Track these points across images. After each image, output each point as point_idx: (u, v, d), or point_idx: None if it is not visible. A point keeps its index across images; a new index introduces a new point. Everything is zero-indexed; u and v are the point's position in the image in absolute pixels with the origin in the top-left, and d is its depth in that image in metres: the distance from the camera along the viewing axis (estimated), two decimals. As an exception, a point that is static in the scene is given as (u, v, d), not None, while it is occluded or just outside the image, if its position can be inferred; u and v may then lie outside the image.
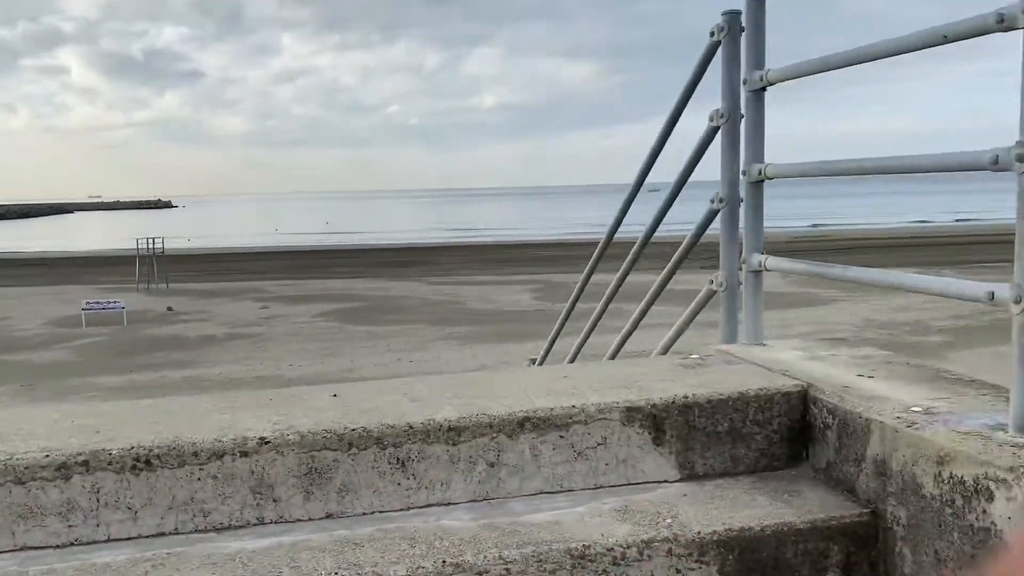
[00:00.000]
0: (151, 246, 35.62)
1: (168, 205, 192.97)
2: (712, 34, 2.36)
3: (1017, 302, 1.50)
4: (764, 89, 2.25)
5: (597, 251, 3.79)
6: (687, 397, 1.74)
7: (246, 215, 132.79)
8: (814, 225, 67.61)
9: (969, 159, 1.60)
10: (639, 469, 1.72)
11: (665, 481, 1.73)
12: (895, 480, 1.57)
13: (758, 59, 2.24)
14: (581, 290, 4.01)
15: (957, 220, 68.59)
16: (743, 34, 2.27)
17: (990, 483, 1.38)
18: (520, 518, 1.56)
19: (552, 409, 1.69)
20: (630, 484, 1.70)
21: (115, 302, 25.33)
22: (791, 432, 1.82)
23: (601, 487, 1.69)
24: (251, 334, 22.13)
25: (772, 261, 2.44)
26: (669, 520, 1.52)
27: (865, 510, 1.62)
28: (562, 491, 1.68)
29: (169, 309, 28.08)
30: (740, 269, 2.58)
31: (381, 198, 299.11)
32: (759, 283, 2.53)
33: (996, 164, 1.52)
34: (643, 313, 3.37)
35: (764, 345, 2.52)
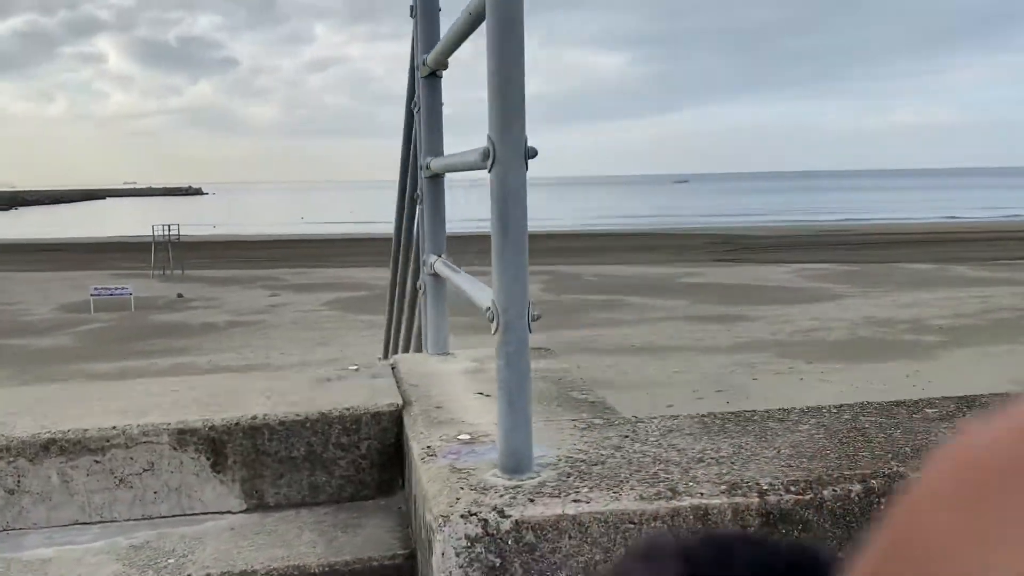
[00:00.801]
0: (167, 233, 35.96)
1: (199, 192, 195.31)
2: (411, 12, 2.14)
3: (492, 320, 1.29)
4: (435, 75, 2.05)
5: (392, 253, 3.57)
6: (255, 418, 1.56)
7: (274, 203, 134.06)
8: (845, 219, 66.56)
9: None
10: (196, 499, 1.54)
11: (227, 512, 1.54)
12: (416, 518, 1.37)
13: (428, 42, 2.03)
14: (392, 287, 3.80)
15: (989, 217, 67.14)
16: (417, 14, 2.05)
17: (447, 528, 1.16)
18: (22, 554, 1.39)
19: (86, 431, 1.52)
20: (184, 515, 1.52)
21: (123, 288, 25.57)
22: (383, 457, 1.62)
23: (150, 518, 1.51)
24: (254, 322, 22.22)
25: (440, 264, 2.21)
26: (173, 561, 1.35)
27: (402, 551, 1.42)
28: (101, 522, 1.51)
29: (180, 296, 28.32)
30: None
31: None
32: (440, 287, 2.32)
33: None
34: (392, 313, 3.16)
35: (448, 355, 2.31)
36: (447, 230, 3.37)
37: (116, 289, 25.32)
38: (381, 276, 33.31)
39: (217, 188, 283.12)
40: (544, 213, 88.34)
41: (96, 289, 24.94)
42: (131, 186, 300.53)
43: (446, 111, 2.13)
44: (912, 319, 16.61)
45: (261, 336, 19.40)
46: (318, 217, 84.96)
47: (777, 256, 37.78)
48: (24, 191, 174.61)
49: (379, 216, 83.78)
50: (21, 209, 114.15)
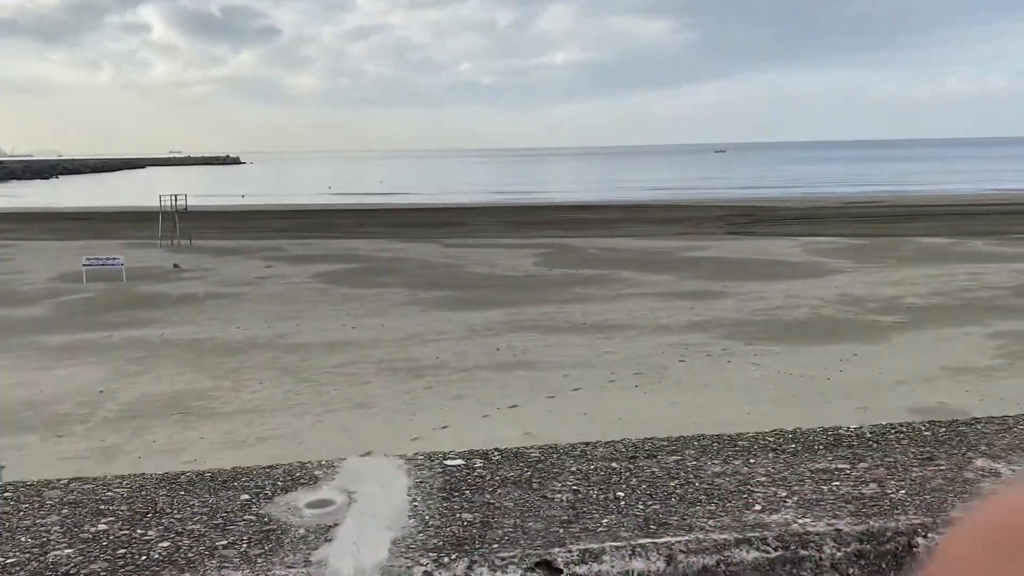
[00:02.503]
0: (174, 204, 36.21)
1: (236, 161, 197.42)
2: None
3: None
4: None
5: None
6: None
7: (308, 173, 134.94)
8: (876, 191, 64.98)
9: None
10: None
11: None
12: None
13: None
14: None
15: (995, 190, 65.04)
16: None
17: None
18: None
19: None
20: None
21: (115, 259, 25.78)
22: None
23: None
24: (234, 294, 22.22)
25: None
26: None
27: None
28: None
29: (176, 266, 28.49)
30: None
31: (448, 157, 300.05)
32: None
33: None
34: None
35: None
36: None
37: (108, 260, 25.53)
38: (384, 248, 33.30)
39: (257, 157, 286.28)
40: (569, 184, 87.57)
41: (88, 259, 25.17)
42: (177, 155, 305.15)
43: None
44: (888, 298, 15.97)
45: (232, 309, 19.38)
46: (345, 187, 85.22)
47: (791, 229, 36.89)
48: (67, 159, 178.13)
49: (405, 187, 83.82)
50: (62, 178, 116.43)
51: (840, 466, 1.40)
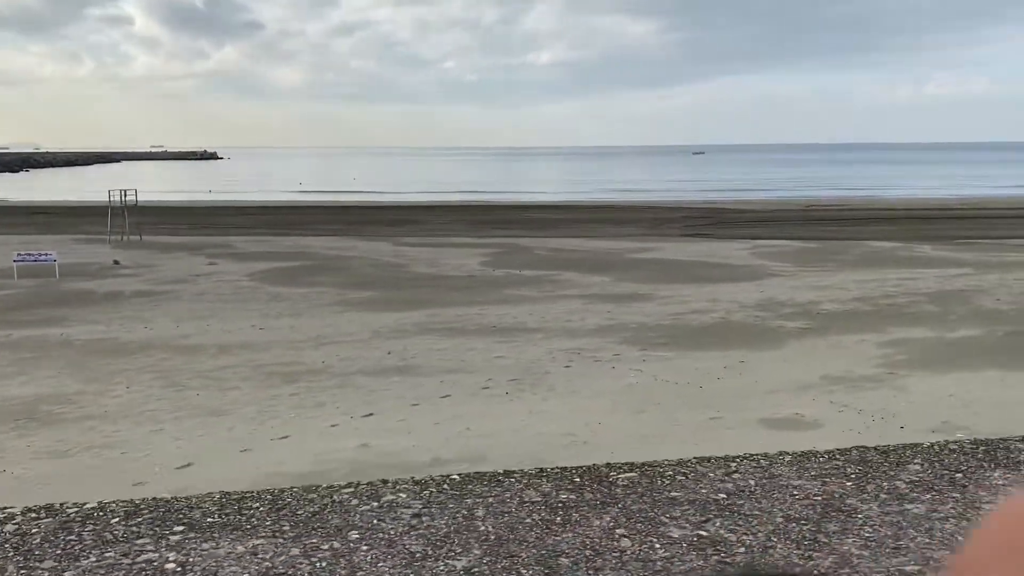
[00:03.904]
0: (123, 199, 35.64)
1: (214, 157, 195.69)
2: None
3: None
4: None
5: None
6: None
7: (283, 169, 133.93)
8: (843, 195, 65.25)
9: None
10: None
11: None
12: None
13: None
14: None
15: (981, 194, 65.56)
16: None
17: None
18: None
19: None
20: None
21: (47, 254, 25.24)
22: None
23: None
24: (162, 292, 21.76)
25: None
26: None
27: None
28: None
29: (115, 263, 27.96)
30: None
31: (430, 155, 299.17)
32: None
33: None
34: None
35: None
36: None
37: (41, 255, 24.98)
38: (334, 246, 32.90)
39: (236, 153, 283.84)
40: (541, 184, 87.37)
41: (20, 255, 24.60)
42: (158, 149, 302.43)
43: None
44: (807, 303, 15.74)
45: (151, 308, 18.92)
46: (317, 184, 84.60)
47: (748, 232, 36.80)
48: (38, 153, 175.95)
49: (377, 184, 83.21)
50: (31, 171, 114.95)
51: None
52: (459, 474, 4.58)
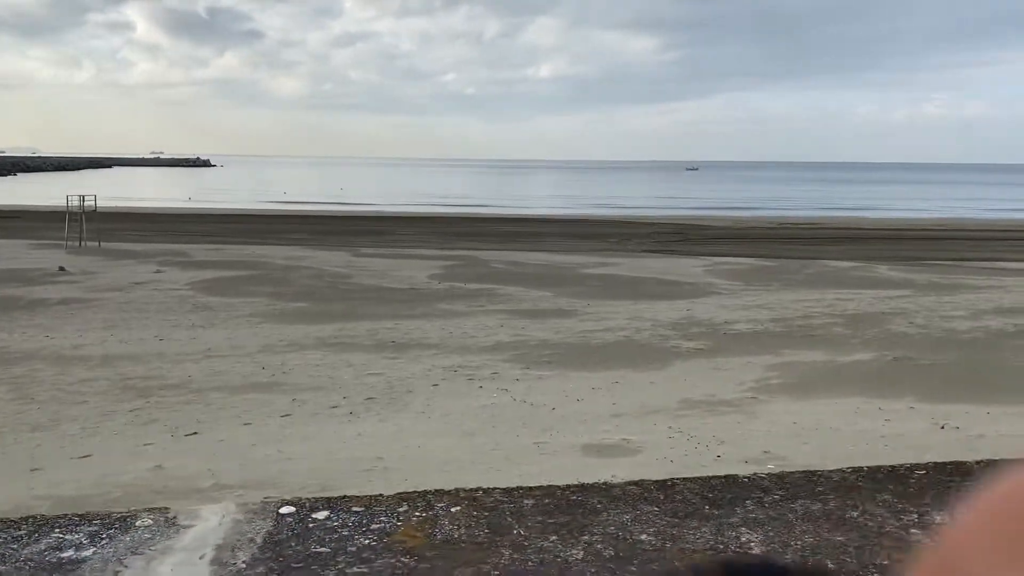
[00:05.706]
0: (81, 204, 35.31)
1: (206, 164, 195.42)
2: None
3: None
4: None
5: None
6: None
7: (273, 177, 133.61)
8: (818, 214, 65.13)
9: None
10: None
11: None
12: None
13: None
14: None
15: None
16: None
17: None
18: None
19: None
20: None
21: (-17, 260, 24.86)
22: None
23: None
24: (91, 300, 21.34)
25: None
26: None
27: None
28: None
29: (61, 269, 27.55)
30: None
31: (426, 166, 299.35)
32: None
33: None
34: None
35: None
36: None
37: (-23, 260, 24.62)
38: (291, 256, 32.48)
39: (232, 161, 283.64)
40: (524, 198, 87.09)
41: (-45, 259, 24.25)
42: (158, 155, 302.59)
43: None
44: (723, 323, 15.34)
45: (70, 316, 18.49)
46: (302, 194, 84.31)
47: (711, 248, 36.47)
48: (30, 157, 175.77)
49: (363, 195, 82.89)
50: (21, 175, 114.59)
51: None
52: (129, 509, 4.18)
